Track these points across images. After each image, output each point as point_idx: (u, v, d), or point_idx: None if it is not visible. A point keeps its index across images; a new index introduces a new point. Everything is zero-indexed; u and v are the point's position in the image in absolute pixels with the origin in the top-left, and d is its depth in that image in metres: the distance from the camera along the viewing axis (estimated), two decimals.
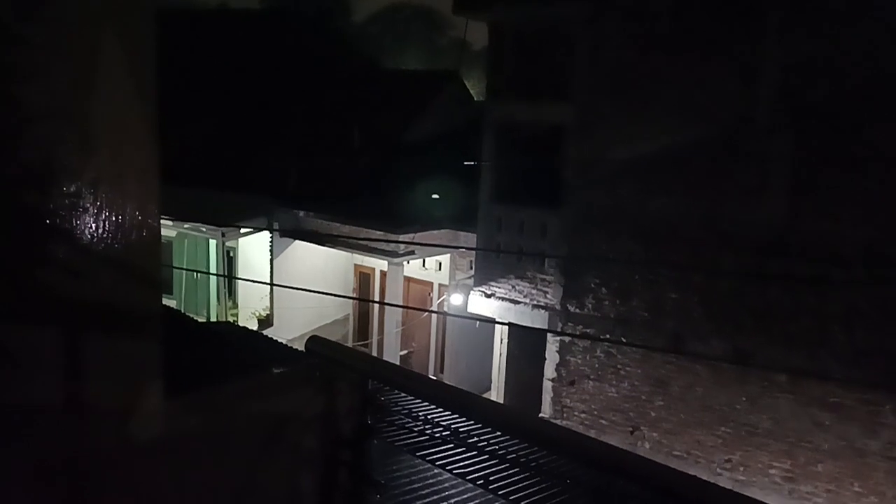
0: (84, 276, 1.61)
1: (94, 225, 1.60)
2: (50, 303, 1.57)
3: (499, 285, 10.56)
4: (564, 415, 9.77)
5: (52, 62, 1.51)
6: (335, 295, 11.62)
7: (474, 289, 10.89)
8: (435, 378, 13.19)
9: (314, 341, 2.12)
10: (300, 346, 2.92)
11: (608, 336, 9.07)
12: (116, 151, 1.63)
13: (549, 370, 10.00)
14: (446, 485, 2.68)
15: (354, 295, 14.85)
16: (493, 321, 10.66)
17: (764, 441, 8.21)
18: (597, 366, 9.52)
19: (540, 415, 9.83)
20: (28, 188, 1.48)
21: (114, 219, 1.65)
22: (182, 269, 13.87)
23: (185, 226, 13.64)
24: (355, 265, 14.86)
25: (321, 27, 21.57)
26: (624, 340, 8.88)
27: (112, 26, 1.59)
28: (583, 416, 9.65)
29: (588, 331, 9.43)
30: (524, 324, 9.96)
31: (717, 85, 8.16)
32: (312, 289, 8.21)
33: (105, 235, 1.63)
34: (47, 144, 1.51)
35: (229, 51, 17.54)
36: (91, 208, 1.58)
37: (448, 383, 9.77)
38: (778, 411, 8.07)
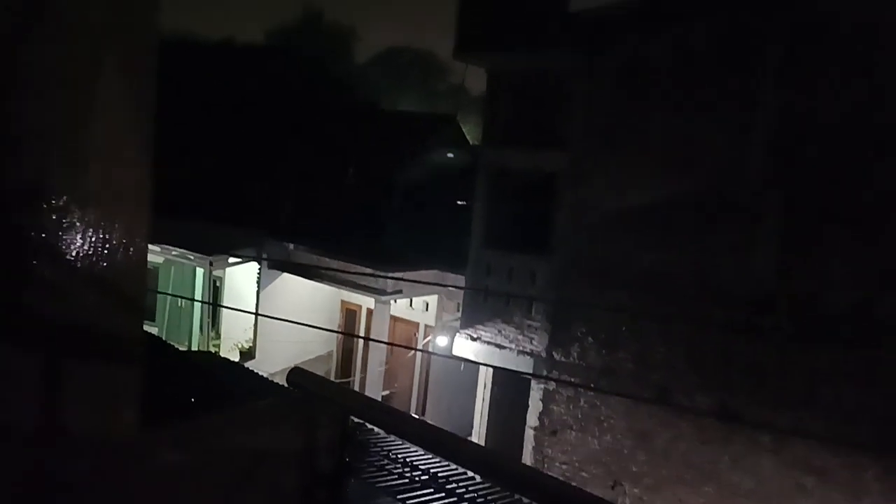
0: (67, 296, 1.58)
1: (80, 244, 1.58)
2: (30, 322, 1.54)
3: (485, 329, 10.51)
4: (545, 465, 9.61)
5: (47, 81, 1.51)
6: (320, 328, 11.53)
7: (460, 331, 10.82)
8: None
9: (297, 374, 2.08)
10: (282, 380, 2.87)
11: (592, 386, 9.00)
12: (108, 172, 1.62)
13: (532, 418, 9.88)
14: None
15: (338, 330, 14.72)
16: (477, 363, 10.57)
17: (746, 502, 8.09)
18: (580, 416, 9.41)
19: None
20: (15, 205, 1.47)
21: (101, 238, 1.62)
22: (167, 293, 13.73)
23: (173, 252, 13.56)
24: (342, 301, 14.77)
25: (322, 66, 21.91)
26: (607, 390, 8.81)
27: (111, 47, 1.59)
28: (563, 467, 9.50)
29: (572, 379, 9.36)
30: (508, 368, 9.88)
31: (709, 140, 8.31)
32: (297, 321, 8.13)
33: (91, 255, 1.61)
34: (37, 162, 1.50)
35: (230, 84, 17.74)
36: (79, 227, 1.56)
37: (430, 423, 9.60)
38: (761, 472, 7.97)
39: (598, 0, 9.09)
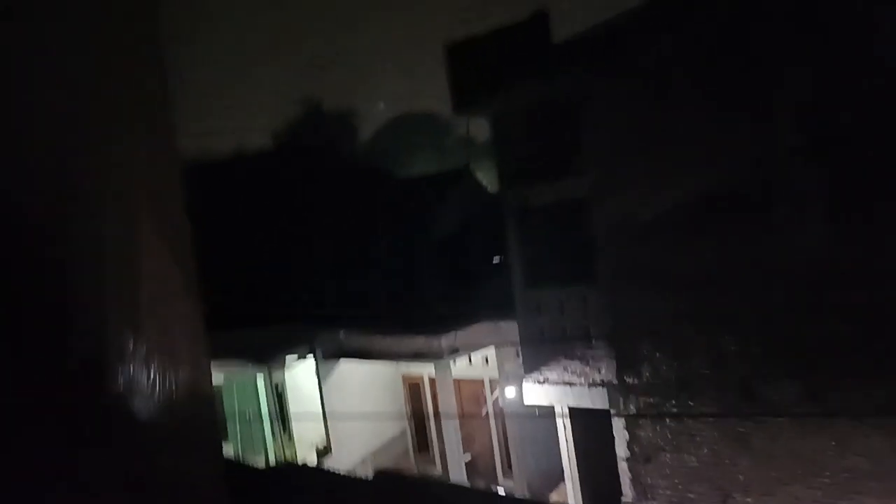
0: (146, 454, 1.60)
1: (151, 400, 1.60)
2: (115, 482, 1.55)
3: (550, 370, 10.31)
4: (648, 495, 9.22)
5: (95, 254, 1.56)
6: (385, 416, 11.44)
7: (526, 378, 10.63)
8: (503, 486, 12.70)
9: (385, 479, 2.04)
10: (364, 473, 2.83)
11: (674, 402, 8.69)
12: (164, 324, 1.66)
13: (621, 449, 9.54)
14: None
15: (406, 407, 14.60)
16: (550, 409, 10.33)
17: (867, 485, 7.61)
18: (669, 436, 9.06)
19: (622, 499, 9.30)
20: (84, 378, 1.50)
21: (169, 388, 1.65)
22: (234, 411, 13.85)
23: (231, 367, 13.75)
24: (402, 375, 14.70)
25: (332, 152, 22.52)
26: (691, 405, 8.49)
27: (150, 214, 1.66)
28: (668, 493, 9.09)
29: (651, 400, 9.05)
30: (583, 405, 9.62)
31: (735, 128, 8.18)
32: (364, 412, 8.09)
33: (162, 407, 1.63)
34: (98, 332, 1.54)
35: (249, 190, 18.30)
36: (146, 384, 1.59)
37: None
38: (874, 452, 7.52)
39: (584, 24, 9.23)
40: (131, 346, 1.60)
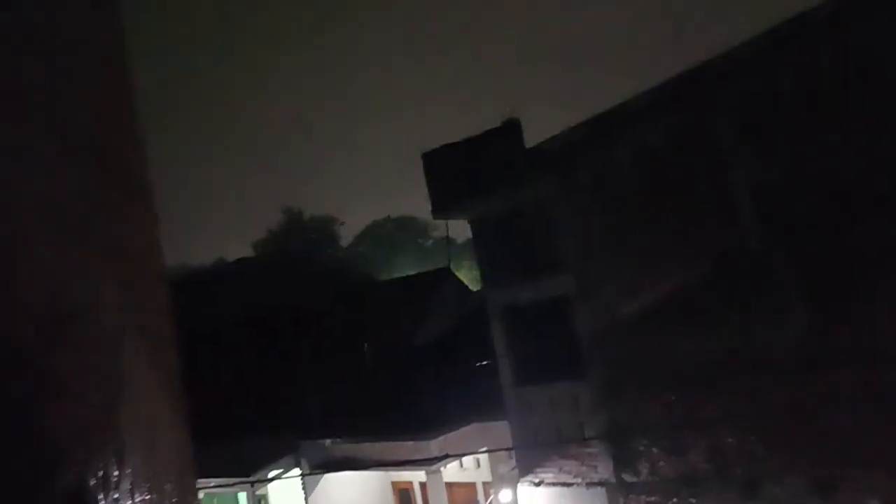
0: None
1: None
2: None
3: (545, 470, 10.00)
4: None
5: (82, 383, 1.55)
6: None
7: (521, 480, 10.28)
8: None
9: None
10: None
11: (675, 501, 8.42)
12: (151, 450, 1.63)
13: None
14: None
15: None
16: None
17: None
18: None
19: None
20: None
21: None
22: None
23: (212, 484, 13.13)
24: (392, 482, 14.14)
25: (314, 259, 22.67)
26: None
27: (137, 337, 1.66)
28: None
29: (651, 499, 8.77)
30: None
31: (700, 220, 8.46)
32: None
33: None
34: (83, 465, 1.50)
35: (228, 301, 18.19)
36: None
37: None
38: None
39: (554, 129, 9.68)
40: (116, 476, 1.56)
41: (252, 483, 12.85)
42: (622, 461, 9.05)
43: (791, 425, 7.79)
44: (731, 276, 8.24)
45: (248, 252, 31.46)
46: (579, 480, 9.58)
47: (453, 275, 18.17)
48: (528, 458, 10.28)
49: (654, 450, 8.75)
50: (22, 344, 1.36)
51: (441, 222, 13.07)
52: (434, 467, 12.03)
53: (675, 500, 8.48)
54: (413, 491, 13.95)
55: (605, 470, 9.32)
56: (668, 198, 8.75)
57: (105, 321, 1.54)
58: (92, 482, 1.46)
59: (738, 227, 8.25)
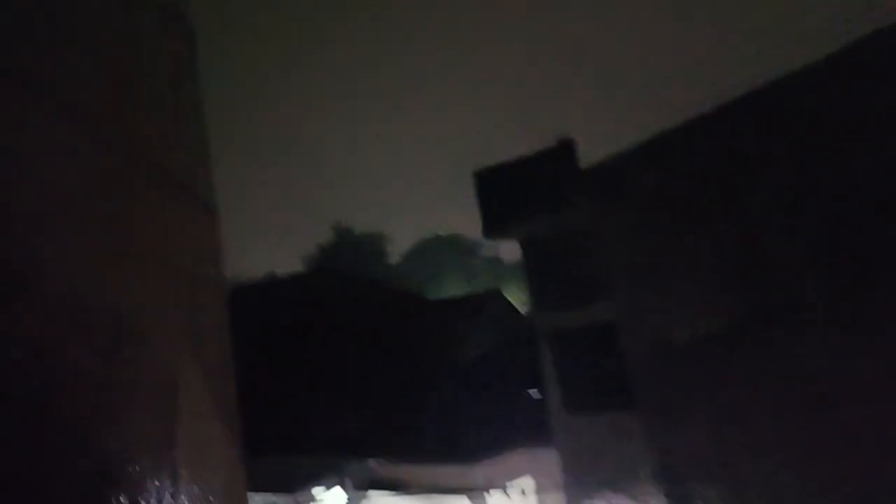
0: None
1: None
2: None
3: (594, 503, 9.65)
4: None
5: (138, 403, 1.52)
6: None
7: None
8: None
9: None
10: None
11: None
12: (206, 469, 1.57)
13: None
14: None
15: None
16: None
17: None
18: None
19: None
20: None
21: None
22: None
23: (256, 498, 13.19)
24: None
25: (363, 276, 22.81)
26: None
27: (195, 359, 1.61)
28: None
29: None
30: None
31: (757, 248, 8.08)
32: None
33: None
34: (138, 482, 1.47)
35: (277, 315, 18.40)
36: None
37: None
38: None
39: (606, 150, 9.47)
40: (170, 494, 1.53)
41: (296, 500, 12.85)
42: (676, 500, 8.64)
43: (849, 462, 7.30)
44: (778, 306, 7.83)
45: (298, 267, 31.92)
46: None
47: (504, 297, 17.97)
48: (577, 489, 9.96)
49: (709, 487, 8.33)
50: (80, 365, 1.32)
51: (489, 241, 12.95)
52: (476, 493, 11.78)
53: None
54: None
55: None
56: (722, 224, 8.41)
57: (164, 343, 1.50)
58: (146, 499, 1.41)
59: (798, 257, 7.85)
